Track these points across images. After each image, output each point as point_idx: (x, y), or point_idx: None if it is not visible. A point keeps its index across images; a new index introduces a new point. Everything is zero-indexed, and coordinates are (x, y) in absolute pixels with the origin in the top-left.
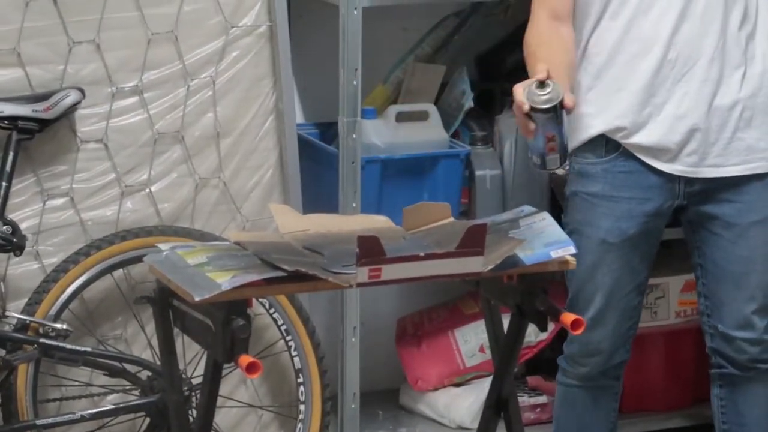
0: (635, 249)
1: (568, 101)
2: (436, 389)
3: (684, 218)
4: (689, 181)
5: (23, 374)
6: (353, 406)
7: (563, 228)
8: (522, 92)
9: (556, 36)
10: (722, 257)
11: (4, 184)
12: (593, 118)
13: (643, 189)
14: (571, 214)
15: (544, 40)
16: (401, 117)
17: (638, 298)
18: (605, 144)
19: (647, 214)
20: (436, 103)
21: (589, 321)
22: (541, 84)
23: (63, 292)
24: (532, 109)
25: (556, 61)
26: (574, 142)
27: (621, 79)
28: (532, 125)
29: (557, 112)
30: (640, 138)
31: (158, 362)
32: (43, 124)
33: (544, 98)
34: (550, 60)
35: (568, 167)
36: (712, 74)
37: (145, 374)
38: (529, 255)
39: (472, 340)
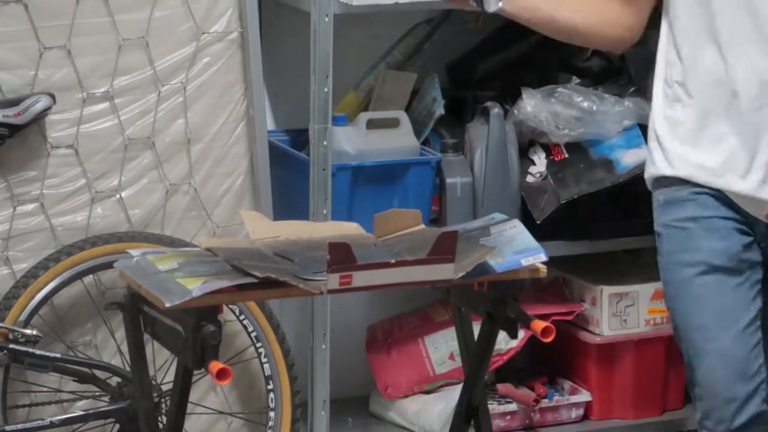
0: (741, 270)
1: None
2: (406, 396)
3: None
4: None
5: None
6: (323, 413)
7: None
8: None
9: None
10: None
11: None
12: (684, 158)
13: (735, 209)
14: (664, 248)
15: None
16: (372, 124)
17: (759, 332)
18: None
19: (745, 232)
20: (407, 111)
21: (710, 355)
22: None
23: (33, 297)
24: None
25: None
26: (661, 171)
27: (720, 118)
28: None
29: None
30: (735, 186)
31: (128, 368)
32: (14, 129)
33: None
34: None
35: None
36: None
37: (114, 380)
38: (499, 262)
39: (442, 348)
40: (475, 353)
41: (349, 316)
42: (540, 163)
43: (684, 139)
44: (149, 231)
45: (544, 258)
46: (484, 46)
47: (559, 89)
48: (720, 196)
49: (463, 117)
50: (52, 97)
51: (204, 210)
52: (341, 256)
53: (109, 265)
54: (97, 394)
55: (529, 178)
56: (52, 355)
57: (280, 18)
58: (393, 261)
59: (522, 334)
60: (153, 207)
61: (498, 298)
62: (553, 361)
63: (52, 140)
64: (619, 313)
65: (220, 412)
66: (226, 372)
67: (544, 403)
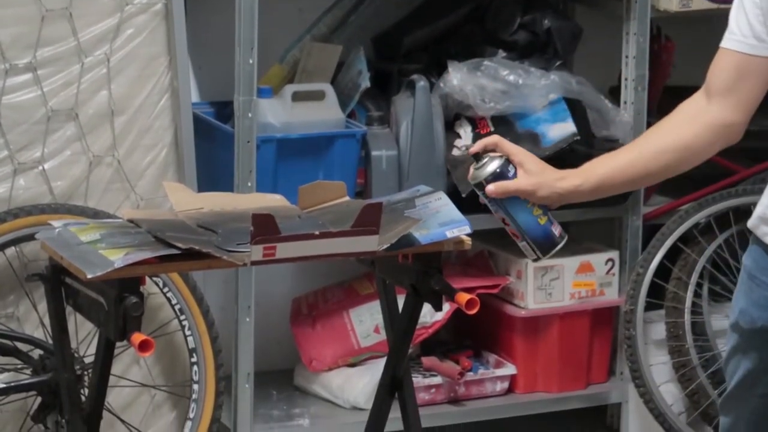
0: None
1: (491, 187)
2: (330, 369)
3: None
4: None
5: None
6: (247, 386)
7: None
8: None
9: (675, 120)
10: None
11: None
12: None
13: None
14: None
15: (653, 129)
16: (297, 96)
17: None
18: None
19: None
20: (332, 83)
21: (722, 401)
22: (477, 157)
23: None
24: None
25: (597, 164)
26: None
27: None
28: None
29: (484, 191)
30: None
31: (50, 341)
32: None
33: (470, 173)
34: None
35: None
36: None
37: (37, 353)
38: (424, 234)
39: (367, 321)
40: (400, 326)
41: (274, 288)
42: (466, 136)
43: None
44: (72, 203)
45: (468, 230)
46: (410, 19)
47: (485, 62)
48: None
49: (389, 90)
50: None
51: (128, 182)
52: (265, 227)
53: (31, 237)
54: (19, 366)
55: (455, 152)
56: None
57: None
58: (317, 233)
59: (447, 307)
60: (76, 179)
61: (422, 271)
62: (479, 334)
63: None
64: (545, 286)
65: (144, 385)
66: (148, 344)
67: (469, 376)
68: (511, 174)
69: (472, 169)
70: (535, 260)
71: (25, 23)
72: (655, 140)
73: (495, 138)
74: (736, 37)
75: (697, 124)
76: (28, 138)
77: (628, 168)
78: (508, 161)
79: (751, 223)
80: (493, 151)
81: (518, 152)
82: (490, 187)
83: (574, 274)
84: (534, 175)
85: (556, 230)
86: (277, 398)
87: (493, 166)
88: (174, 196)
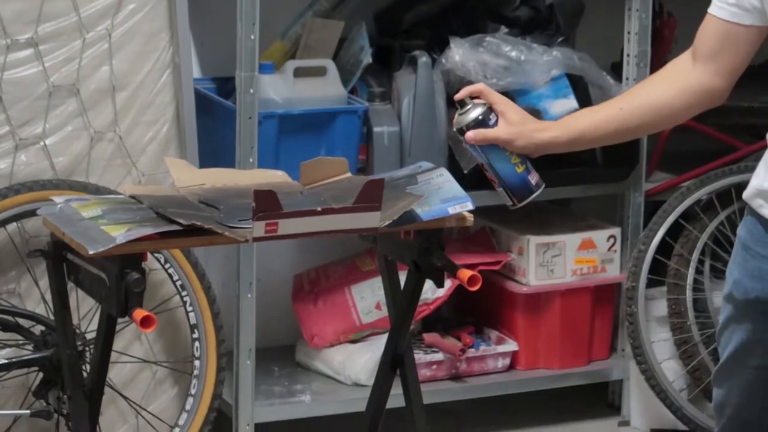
0: (763, 317)
1: (470, 134)
2: (332, 346)
3: None
4: None
5: None
6: (248, 362)
7: None
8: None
9: (658, 79)
10: None
11: None
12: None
13: None
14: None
15: (637, 86)
16: (299, 72)
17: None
18: None
19: None
20: (334, 59)
21: (715, 372)
22: (461, 103)
23: None
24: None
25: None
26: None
27: None
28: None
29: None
30: None
31: (52, 317)
32: None
33: (455, 119)
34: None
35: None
36: None
37: (38, 329)
38: (426, 211)
39: (368, 297)
40: (401, 302)
41: (276, 265)
42: None
43: None
44: (74, 179)
45: (470, 206)
46: None
47: (488, 38)
48: None
49: (391, 66)
50: None
51: (129, 158)
52: (267, 203)
53: (32, 213)
54: (21, 342)
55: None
56: None
57: None
58: (319, 209)
59: (449, 283)
60: (78, 155)
61: (424, 247)
62: (480, 311)
63: None
64: (546, 263)
65: (145, 361)
66: (150, 319)
67: (471, 352)
68: (492, 122)
69: (456, 115)
70: (511, 206)
71: None
72: (637, 98)
73: (480, 86)
74: (720, 4)
75: (679, 85)
76: (30, 114)
77: (606, 123)
78: (490, 109)
79: (746, 195)
80: (478, 98)
81: (501, 101)
82: (470, 134)
83: (576, 251)
84: (514, 124)
85: (533, 179)
86: (278, 374)
87: (475, 113)
88: (176, 172)
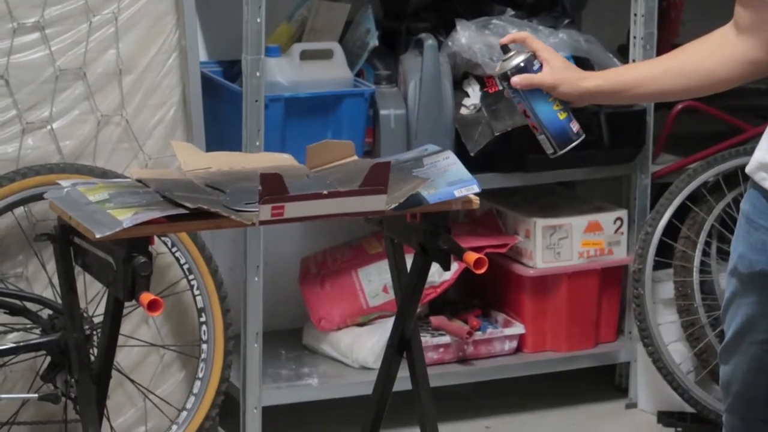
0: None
1: (515, 78)
2: (339, 329)
3: None
4: None
5: None
6: (256, 345)
7: None
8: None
9: (705, 46)
10: None
11: None
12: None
13: None
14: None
15: (683, 50)
16: (305, 55)
17: None
18: None
19: None
20: (340, 42)
21: (721, 350)
22: (504, 49)
23: None
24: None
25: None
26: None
27: None
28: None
29: (509, 83)
30: None
31: (59, 300)
32: None
33: (498, 66)
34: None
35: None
36: None
37: (46, 313)
38: (432, 194)
39: (375, 280)
40: (408, 285)
41: (283, 248)
42: (474, 95)
43: None
44: (81, 163)
45: (477, 189)
46: None
47: (494, 21)
48: None
49: (397, 48)
50: None
51: (136, 141)
52: (273, 186)
53: (39, 197)
54: (28, 326)
55: (463, 110)
56: None
57: None
58: (325, 192)
59: (455, 266)
60: (84, 138)
61: (430, 230)
62: (487, 293)
63: None
64: (553, 245)
65: (153, 345)
66: (157, 303)
67: (478, 335)
68: (535, 68)
69: (499, 62)
70: (552, 154)
71: None
72: (684, 61)
73: (524, 33)
74: None
75: (725, 54)
76: (37, 97)
77: (650, 82)
78: (534, 56)
79: (749, 169)
80: (521, 46)
81: (545, 49)
82: (515, 78)
83: (583, 233)
84: (558, 71)
85: (574, 127)
86: (285, 358)
87: (518, 59)
88: (182, 156)
